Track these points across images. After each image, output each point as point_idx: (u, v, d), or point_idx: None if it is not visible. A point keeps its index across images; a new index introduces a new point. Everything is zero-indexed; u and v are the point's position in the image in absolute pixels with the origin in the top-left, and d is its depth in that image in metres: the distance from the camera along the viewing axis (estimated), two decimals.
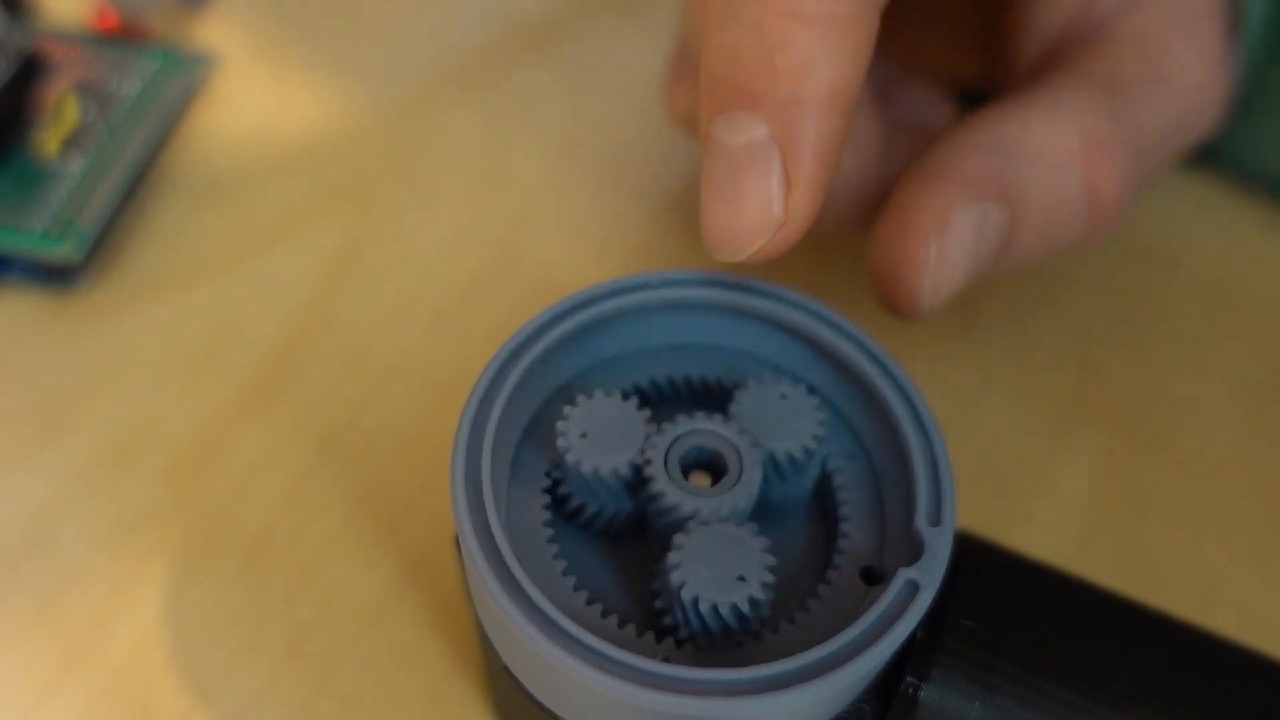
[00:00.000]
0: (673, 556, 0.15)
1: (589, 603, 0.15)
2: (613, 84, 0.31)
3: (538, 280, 0.26)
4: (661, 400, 0.18)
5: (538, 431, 0.17)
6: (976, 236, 0.19)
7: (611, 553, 0.17)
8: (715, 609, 0.14)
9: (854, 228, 0.22)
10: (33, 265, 0.25)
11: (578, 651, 0.14)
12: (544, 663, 0.14)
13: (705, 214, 0.16)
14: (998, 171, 0.19)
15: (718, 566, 0.15)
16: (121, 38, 0.29)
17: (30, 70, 0.27)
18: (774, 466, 0.16)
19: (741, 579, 0.14)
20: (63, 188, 0.26)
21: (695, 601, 0.14)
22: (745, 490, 0.16)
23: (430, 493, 0.23)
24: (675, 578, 0.14)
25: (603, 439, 0.16)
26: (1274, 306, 0.27)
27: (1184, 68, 0.21)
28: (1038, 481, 0.24)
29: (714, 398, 0.18)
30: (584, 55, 0.31)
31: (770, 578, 0.15)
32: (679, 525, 0.15)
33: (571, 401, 0.16)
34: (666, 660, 0.15)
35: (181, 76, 0.28)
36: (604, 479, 0.16)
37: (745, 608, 0.14)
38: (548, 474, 0.17)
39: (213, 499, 0.22)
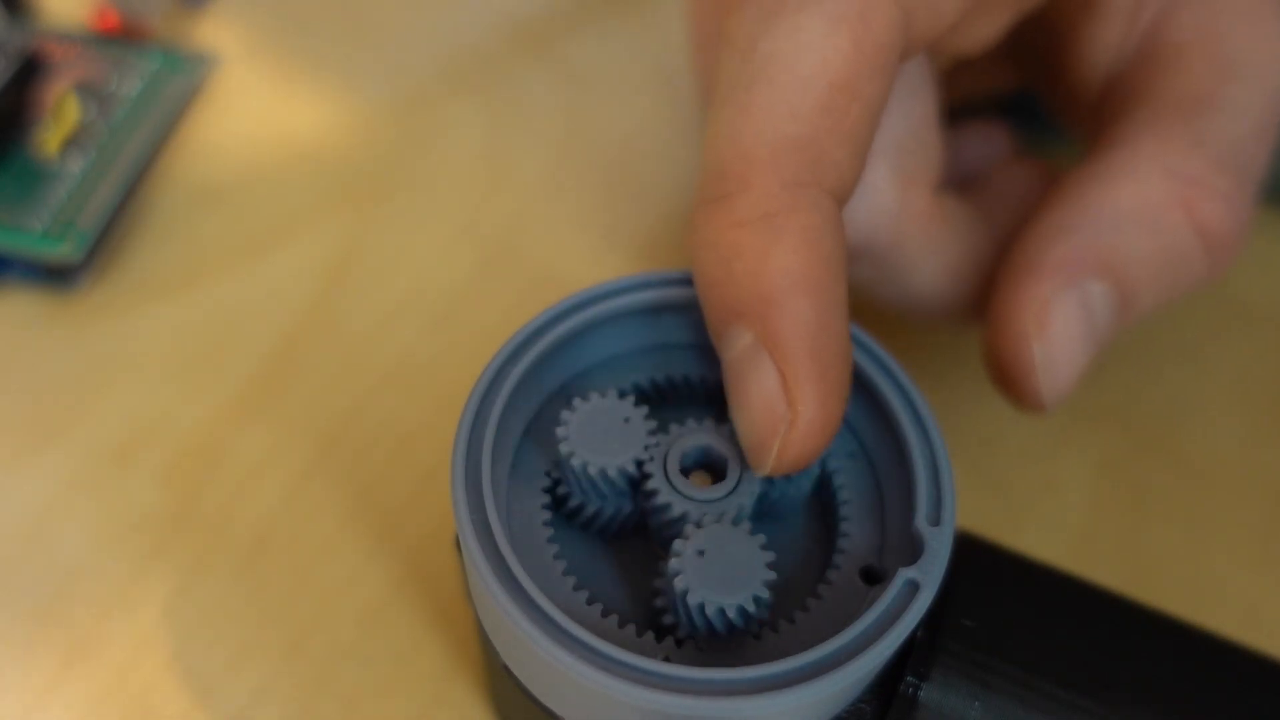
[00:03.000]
0: (675, 563, 0.15)
1: (589, 603, 0.15)
2: (613, 84, 0.31)
3: (538, 280, 0.26)
4: (662, 400, 0.18)
5: (538, 431, 0.17)
6: (1083, 320, 0.18)
7: (612, 552, 0.17)
8: (721, 611, 0.14)
9: (977, 310, 0.21)
10: (33, 265, 0.25)
11: (578, 651, 0.14)
12: (544, 663, 0.14)
13: (736, 431, 0.16)
14: (1090, 247, 0.18)
15: (720, 569, 0.15)
16: (121, 38, 0.29)
17: (30, 70, 0.27)
18: None
19: (743, 580, 0.15)
20: (63, 188, 0.26)
21: (701, 606, 0.14)
22: (746, 491, 0.16)
23: (430, 492, 0.23)
24: (679, 582, 0.15)
25: (603, 439, 0.16)
26: (1274, 306, 0.27)
27: (1257, 54, 0.20)
28: (1038, 481, 0.24)
29: (715, 398, 0.18)
30: (584, 55, 0.31)
31: (772, 576, 0.15)
32: (679, 528, 0.15)
33: (571, 403, 0.16)
34: (666, 660, 0.15)
35: (181, 76, 0.28)
36: (605, 479, 0.16)
37: (750, 608, 0.15)
38: (548, 474, 0.17)
39: (213, 499, 0.22)
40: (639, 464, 0.16)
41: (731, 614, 0.14)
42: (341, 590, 0.21)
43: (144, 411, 0.24)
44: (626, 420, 0.16)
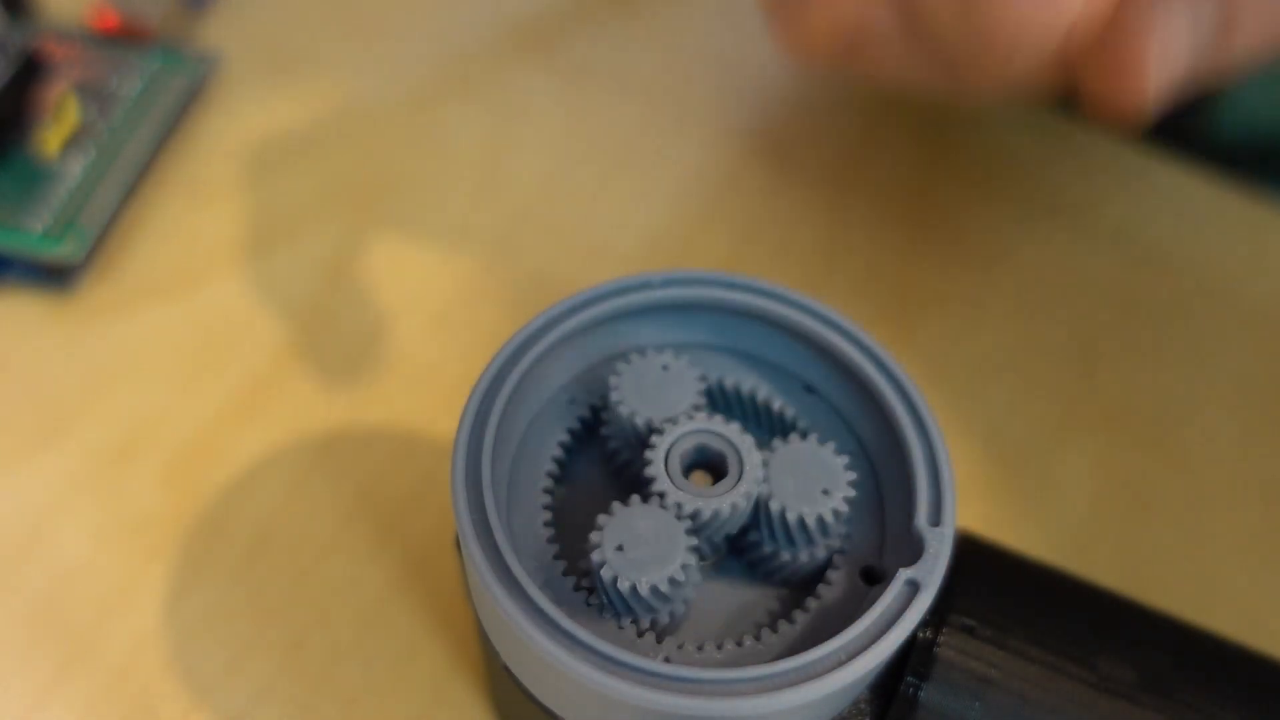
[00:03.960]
0: (765, 486, 0.16)
1: (589, 603, 0.15)
2: (613, 84, 0.31)
3: (538, 280, 0.26)
4: None
5: (538, 431, 0.17)
6: (1190, 29, 0.19)
7: None
8: (804, 519, 0.15)
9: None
10: (33, 265, 0.25)
11: (578, 651, 0.14)
12: (544, 663, 0.14)
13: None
14: None
15: (799, 481, 0.16)
16: (121, 38, 0.29)
17: (30, 70, 0.27)
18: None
19: (825, 492, 0.15)
20: (63, 188, 0.26)
21: (799, 517, 0.15)
22: (746, 489, 0.16)
23: (430, 493, 0.23)
24: (765, 491, 0.15)
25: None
26: (1274, 306, 0.27)
27: None
28: (1038, 481, 0.24)
29: (713, 398, 0.18)
30: (584, 55, 0.31)
31: (852, 493, 0.16)
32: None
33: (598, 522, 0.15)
34: (667, 660, 0.15)
35: (182, 76, 0.28)
36: (657, 593, 0.15)
37: (842, 508, 0.15)
38: (549, 473, 0.17)
39: (213, 499, 0.22)
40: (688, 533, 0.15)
41: (812, 523, 0.15)
42: (341, 590, 0.21)
43: (144, 411, 0.24)
44: (663, 530, 0.15)
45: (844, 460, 0.16)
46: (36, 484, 0.22)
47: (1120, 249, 0.28)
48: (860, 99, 0.31)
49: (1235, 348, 0.26)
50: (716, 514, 0.15)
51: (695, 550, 0.15)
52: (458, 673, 0.21)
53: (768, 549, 0.16)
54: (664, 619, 0.15)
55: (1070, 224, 0.29)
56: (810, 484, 0.16)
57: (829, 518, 0.15)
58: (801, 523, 0.15)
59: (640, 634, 0.15)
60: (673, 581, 0.15)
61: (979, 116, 0.31)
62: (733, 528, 0.16)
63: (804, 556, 0.16)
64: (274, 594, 0.21)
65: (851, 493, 0.16)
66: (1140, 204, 0.29)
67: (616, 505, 0.15)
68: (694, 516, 0.15)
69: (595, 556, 0.15)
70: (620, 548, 0.15)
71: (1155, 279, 0.28)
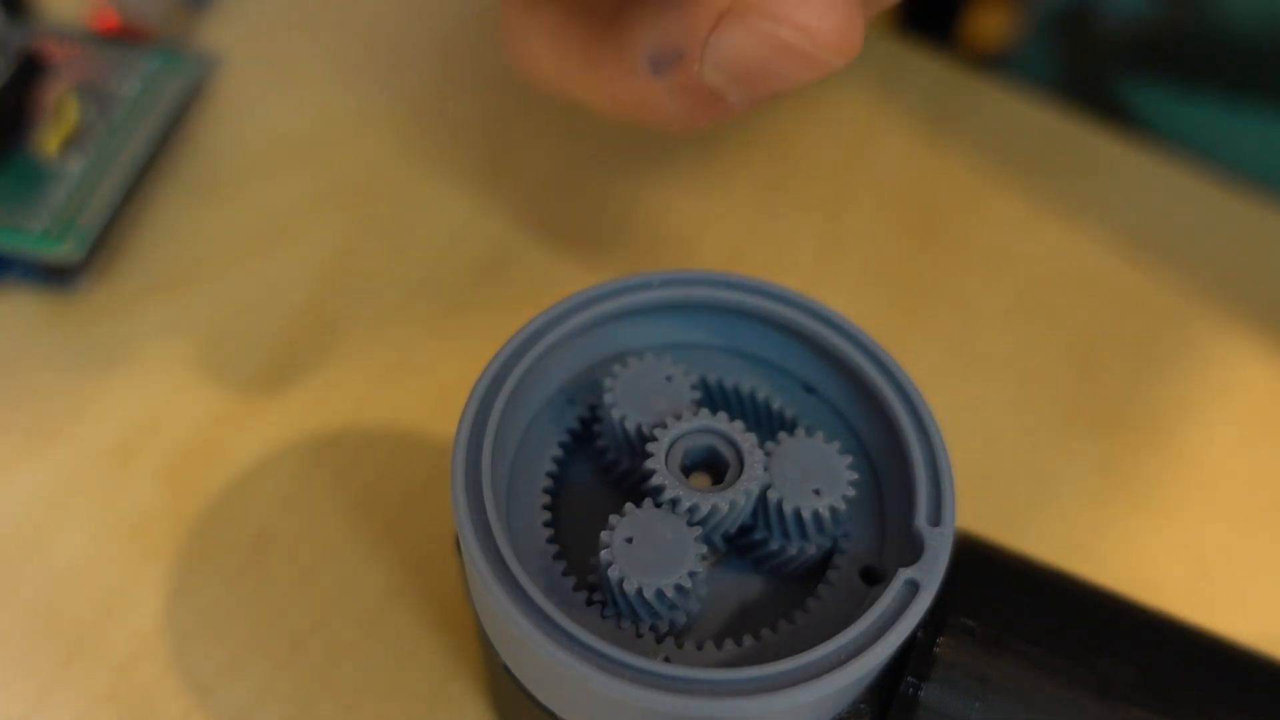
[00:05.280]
0: (767, 479, 0.16)
1: (589, 603, 0.15)
2: None
3: (538, 280, 0.26)
4: None
5: (538, 431, 0.17)
6: None
7: None
8: (811, 513, 0.15)
9: None
10: (33, 265, 0.25)
11: (578, 651, 0.14)
12: (544, 663, 0.14)
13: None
14: None
15: (803, 472, 0.16)
16: (121, 38, 0.29)
17: (30, 70, 0.27)
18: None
19: (827, 486, 0.16)
20: (63, 188, 0.26)
21: (798, 511, 0.15)
22: (744, 490, 0.16)
23: (430, 493, 0.23)
24: (766, 485, 0.15)
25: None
26: (1274, 306, 0.27)
27: None
28: (1038, 481, 0.24)
29: (713, 398, 0.18)
30: None
31: (852, 490, 0.16)
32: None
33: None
34: (666, 660, 0.15)
35: (182, 76, 0.28)
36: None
37: (834, 509, 0.15)
38: (555, 457, 0.17)
39: (213, 499, 0.22)
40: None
41: (815, 514, 0.15)
42: (341, 590, 0.21)
43: (144, 411, 0.24)
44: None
45: (844, 455, 0.16)
46: (36, 484, 0.22)
47: (1120, 249, 0.28)
48: (860, 99, 0.31)
49: (1235, 348, 0.26)
50: (718, 508, 0.15)
51: (703, 553, 0.15)
52: (458, 673, 0.21)
53: (770, 544, 0.16)
54: (674, 624, 0.15)
55: (1070, 224, 0.29)
56: (811, 478, 0.16)
57: (834, 509, 0.16)
58: (810, 515, 0.15)
59: (640, 634, 0.15)
60: (679, 587, 0.15)
61: (978, 116, 0.31)
62: (736, 523, 0.16)
63: (805, 550, 0.16)
64: (274, 594, 0.21)
65: (852, 490, 0.16)
66: (1140, 204, 0.29)
67: (623, 511, 0.15)
68: (700, 515, 0.15)
69: (610, 570, 0.15)
70: (629, 553, 0.15)
71: (1155, 279, 0.28)
